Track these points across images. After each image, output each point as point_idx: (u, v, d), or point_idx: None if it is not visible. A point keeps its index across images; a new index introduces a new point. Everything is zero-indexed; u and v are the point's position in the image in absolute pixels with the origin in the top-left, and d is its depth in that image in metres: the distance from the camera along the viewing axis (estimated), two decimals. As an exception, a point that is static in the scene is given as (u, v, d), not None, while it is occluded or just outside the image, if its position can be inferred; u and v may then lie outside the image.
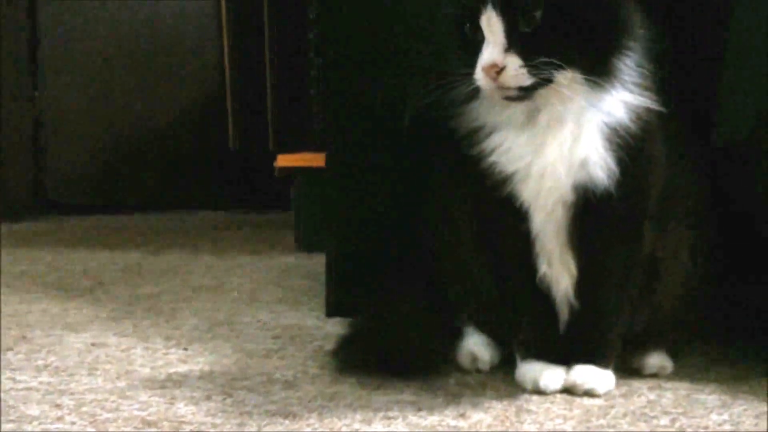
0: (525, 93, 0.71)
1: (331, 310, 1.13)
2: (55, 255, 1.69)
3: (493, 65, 0.70)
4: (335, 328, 1.03)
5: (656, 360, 0.84)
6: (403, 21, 1.03)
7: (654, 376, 0.84)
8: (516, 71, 0.70)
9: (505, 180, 0.76)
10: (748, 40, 0.83)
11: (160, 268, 1.53)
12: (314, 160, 1.36)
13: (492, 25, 0.70)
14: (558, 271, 0.77)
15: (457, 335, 0.90)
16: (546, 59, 0.69)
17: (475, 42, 0.72)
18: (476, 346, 0.87)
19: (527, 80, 0.70)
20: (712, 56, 0.86)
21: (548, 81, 0.70)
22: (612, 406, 0.75)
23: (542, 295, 0.78)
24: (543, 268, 0.77)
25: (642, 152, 0.74)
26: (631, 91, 0.74)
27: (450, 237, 0.86)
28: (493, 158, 0.76)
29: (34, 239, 1.96)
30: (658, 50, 0.76)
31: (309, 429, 0.70)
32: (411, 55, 1.00)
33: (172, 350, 0.96)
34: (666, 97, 0.77)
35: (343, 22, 1.08)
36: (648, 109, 0.75)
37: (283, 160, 1.54)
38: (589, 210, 0.75)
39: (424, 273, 0.92)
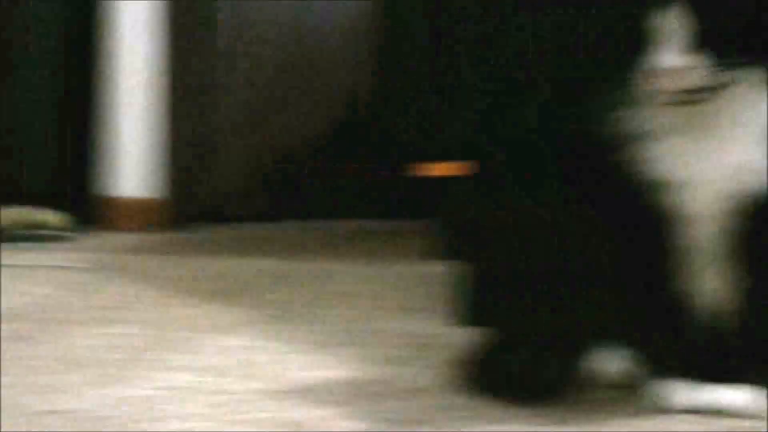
0: (703, 96, 0.67)
1: (464, 320, 1.16)
2: (209, 262, 1.84)
3: (679, 68, 0.66)
4: (465, 339, 1.07)
5: None
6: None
7: None
8: (698, 72, 0.66)
9: (662, 189, 0.73)
10: None
11: (294, 276, 1.59)
12: (457, 169, 1.41)
13: (676, 21, 0.65)
14: (713, 285, 0.75)
15: (592, 350, 0.90)
16: (732, 59, 0.65)
17: (649, 41, 0.67)
18: (609, 363, 0.87)
19: (709, 82, 0.66)
20: None
21: (731, 83, 0.67)
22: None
23: (698, 309, 0.77)
24: (695, 282, 0.76)
25: None
26: None
27: (584, 250, 0.87)
28: (650, 166, 0.73)
29: (195, 247, 2.13)
30: None
31: (440, 435, 0.74)
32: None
33: (314, 356, 1.03)
34: None
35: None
36: None
37: (436, 170, 1.58)
38: (755, 221, 0.71)
39: (561, 285, 0.93)
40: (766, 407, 0.75)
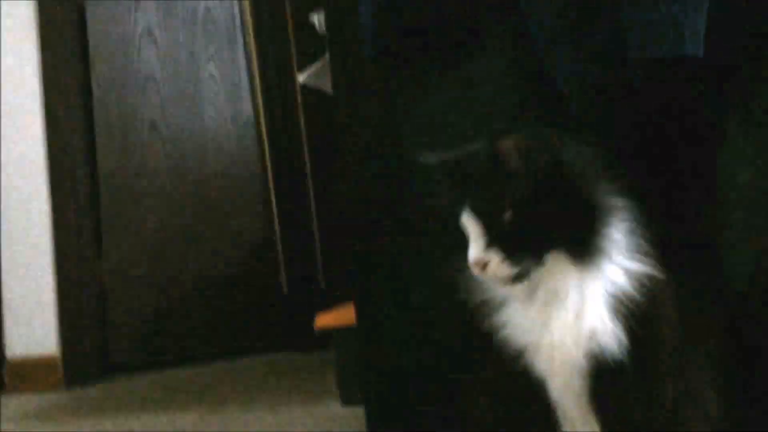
0: (516, 279, 0.75)
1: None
2: (114, 423, 1.69)
3: (477, 262, 0.75)
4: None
5: None
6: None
7: None
8: (498, 265, 0.74)
9: (519, 353, 0.79)
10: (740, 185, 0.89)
11: (215, 430, 1.54)
12: (345, 318, 1.42)
13: (471, 225, 0.76)
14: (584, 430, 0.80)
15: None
16: (526, 250, 0.74)
17: (466, 235, 0.76)
18: None
19: (511, 271, 0.75)
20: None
21: (535, 266, 0.75)
22: None
23: None
24: (567, 430, 0.80)
25: (650, 319, 0.75)
26: (630, 259, 0.77)
27: (473, 397, 0.91)
28: (504, 332, 0.79)
29: (99, 405, 1.96)
30: (650, 214, 0.81)
31: None
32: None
33: None
34: (674, 254, 0.81)
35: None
36: (654, 271, 0.78)
37: (321, 320, 1.61)
38: (604, 377, 0.77)
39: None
40: None
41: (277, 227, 2.53)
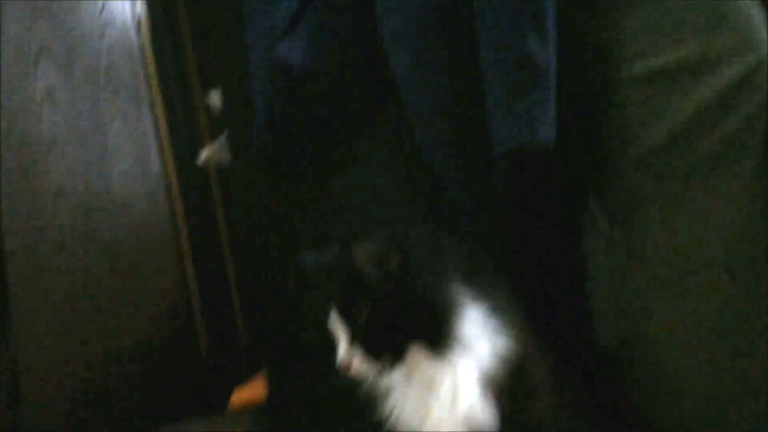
0: (380, 374, 0.81)
1: None
2: None
3: (342, 362, 0.81)
4: None
5: None
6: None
7: None
8: (360, 363, 0.81)
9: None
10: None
11: None
12: (258, 393, 1.43)
13: (337, 326, 0.82)
14: None
15: None
16: (384, 347, 0.79)
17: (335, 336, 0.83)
18: None
19: (373, 368, 0.81)
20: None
21: (395, 360, 0.80)
22: None
23: None
24: None
25: (521, 393, 0.83)
26: (495, 336, 0.83)
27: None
28: (391, 420, 0.84)
29: None
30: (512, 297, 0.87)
31: None
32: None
33: None
34: (541, 327, 0.87)
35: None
36: (520, 347, 0.84)
37: (238, 396, 1.61)
38: None
39: None
40: None
41: (193, 287, 2.51)
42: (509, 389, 0.84)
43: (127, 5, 2.70)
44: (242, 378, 1.78)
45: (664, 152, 0.92)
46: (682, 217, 0.88)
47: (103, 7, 2.63)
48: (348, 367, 0.82)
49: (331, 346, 0.84)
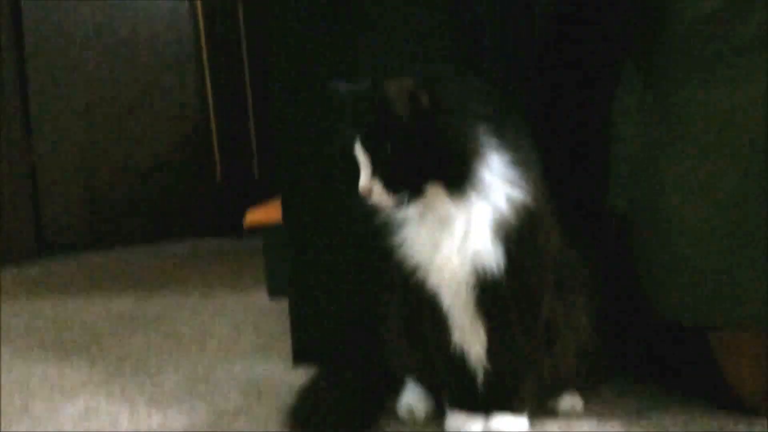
0: (398, 206, 0.84)
1: (298, 358, 1.26)
2: (52, 306, 1.74)
3: (363, 189, 0.84)
4: (301, 378, 1.16)
5: (567, 402, 0.96)
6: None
7: (567, 414, 0.96)
8: (380, 194, 0.84)
9: (415, 268, 0.88)
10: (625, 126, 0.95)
11: (149, 316, 1.60)
12: (274, 214, 1.48)
13: (361, 155, 0.84)
14: (470, 339, 0.90)
15: (402, 388, 1.03)
16: (403, 182, 0.82)
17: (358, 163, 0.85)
18: (413, 398, 0.99)
19: (391, 201, 0.84)
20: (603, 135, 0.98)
21: (414, 196, 0.83)
22: (521, 450, 0.87)
23: (459, 358, 0.91)
24: (456, 336, 0.90)
25: (528, 242, 0.86)
26: (512, 186, 0.85)
27: (385, 303, 0.99)
28: (403, 249, 0.88)
29: (33, 286, 1.98)
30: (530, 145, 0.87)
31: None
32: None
33: (154, 413, 1.08)
34: (556, 182, 0.89)
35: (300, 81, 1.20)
36: (533, 200, 0.86)
37: (251, 217, 1.66)
38: (488, 291, 0.86)
39: (372, 332, 1.05)
40: (525, 429, 0.90)
41: (211, 111, 2.51)
42: (518, 236, 0.87)
43: None
44: (255, 202, 1.83)
45: (718, 21, 0.89)
46: (723, 90, 0.87)
47: None
48: (368, 193, 0.84)
49: (354, 172, 0.86)
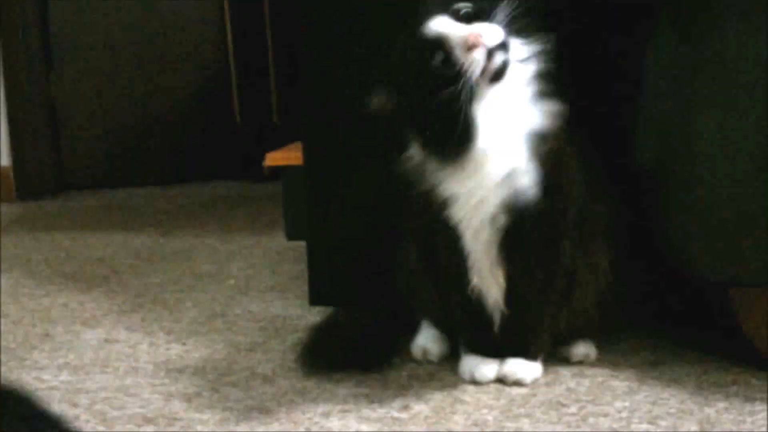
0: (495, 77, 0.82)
1: (314, 300, 1.27)
2: (73, 239, 1.76)
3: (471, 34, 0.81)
4: (317, 317, 1.18)
5: (581, 350, 0.95)
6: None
7: (581, 363, 0.97)
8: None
9: (443, 203, 0.86)
10: (659, 77, 0.92)
11: (168, 253, 1.62)
12: (294, 158, 1.47)
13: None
14: (489, 281, 0.89)
15: (417, 327, 1.04)
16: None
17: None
18: (427, 340, 1.00)
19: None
20: (630, 85, 0.96)
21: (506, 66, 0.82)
22: (534, 395, 0.87)
23: (476, 301, 0.91)
24: (475, 279, 0.90)
25: (561, 161, 0.86)
26: (549, 102, 0.84)
27: (404, 244, 0.99)
28: (431, 183, 0.86)
29: (54, 221, 2.00)
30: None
31: (277, 423, 0.84)
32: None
33: (173, 345, 1.11)
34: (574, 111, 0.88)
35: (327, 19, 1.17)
36: (564, 132, 0.85)
37: (271, 157, 1.65)
38: (514, 230, 0.85)
39: (392, 268, 1.05)
40: (538, 375, 0.90)
41: (231, 52, 2.48)
42: (553, 154, 0.84)
43: None
44: (274, 147, 1.83)
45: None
46: (762, 40, 0.84)
47: None
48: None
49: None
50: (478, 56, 0.81)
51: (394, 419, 0.84)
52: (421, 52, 0.82)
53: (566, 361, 0.96)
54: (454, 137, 0.81)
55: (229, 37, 2.49)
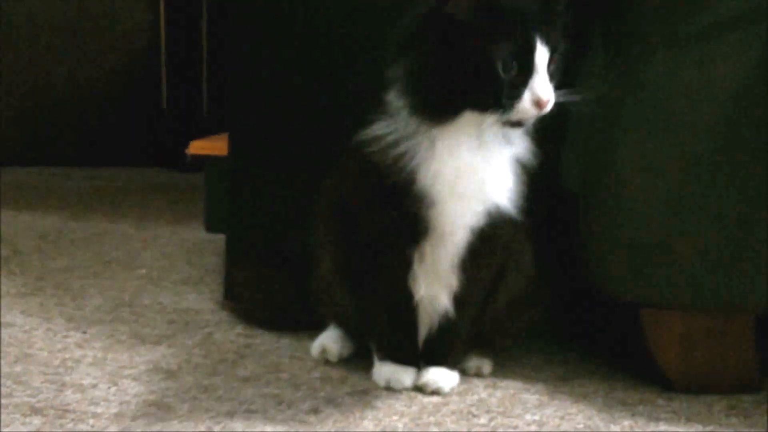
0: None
1: (229, 295, 1.23)
2: None
3: (548, 99, 0.79)
4: (229, 314, 1.13)
5: (474, 362, 0.94)
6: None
7: (475, 375, 0.93)
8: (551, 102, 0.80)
9: (417, 199, 0.82)
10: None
11: (77, 237, 1.54)
12: (218, 148, 1.43)
13: (541, 57, 0.78)
14: (438, 288, 0.86)
15: (328, 331, 1.01)
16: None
17: (514, 76, 0.78)
18: (329, 339, 0.97)
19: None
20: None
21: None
22: (446, 404, 0.86)
23: (409, 308, 0.87)
24: (422, 286, 0.86)
25: (531, 184, 0.87)
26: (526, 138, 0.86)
27: (317, 249, 0.96)
28: (418, 178, 0.82)
29: None
30: None
31: (176, 421, 0.80)
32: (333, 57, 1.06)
33: (72, 333, 1.05)
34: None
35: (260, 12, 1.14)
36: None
37: (194, 148, 1.60)
38: (485, 234, 0.84)
39: (303, 271, 1.02)
40: (455, 384, 0.89)
41: (162, 38, 2.40)
42: (528, 181, 0.86)
43: None
44: (202, 135, 1.77)
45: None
46: (692, 69, 0.86)
47: None
48: (548, 104, 0.81)
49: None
50: (533, 114, 0.80)
51: (302, 422, 0.81)
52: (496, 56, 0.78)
53: (461, 372, 0.93)
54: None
55: (162, 20, 2.41)
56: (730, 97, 0.85)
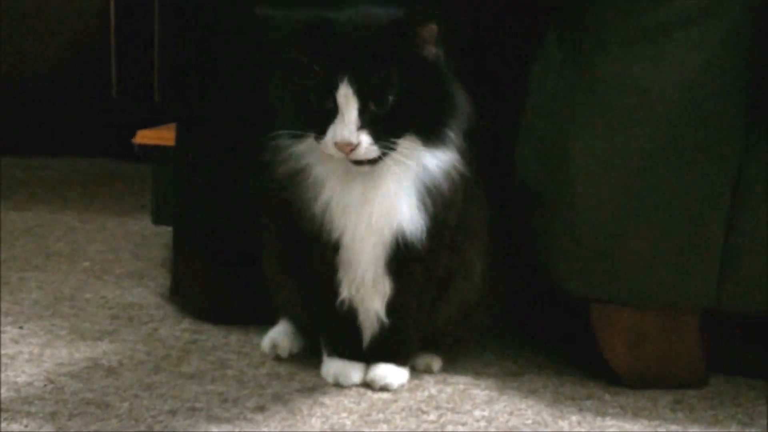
0: (373, 162, 0.79)
1: (176, 290, 1.19)
2: None
3: (348, 144, 0.76)
4: (175, 309, 1.10)
5: (424, 359, 0.93)
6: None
7: (425, 371, 0.93)
8: (367, 148, 0.77)
9: (324, 222, 0.83)
10: (536, 109, 0.94)
11: (18, 228, 1.48)
12: (165, 138, 1.39)
13: (348, 102, 0.76)
14: (369, 294, 0.86)
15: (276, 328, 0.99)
16: (391, 135, 0.78)
17: (325, 110, 0.77)
18: (280, 335, 0.96)
19: (376, 154, 0.78)
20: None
21: (393, 150, 0.79)
22: (395, 401, 0.85)
23: (348, 311, 0.87)
24: (350, 292, 0.86)
25: (448, 206, 0.86)
26: (450, 152, 0.83)
27: (266, 241, 0.94)
28: (318, 204, 0.82)
29: None
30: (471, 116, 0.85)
31: (116, 419, 0.77)
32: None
33: (8, 328, 1.00)
34: (475, 149, 0.87)
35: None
36: (456, 166, 0.84)
37: (141, 137, 1.55)
38: (400, 250, 0.85)
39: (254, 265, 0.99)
40: (405, 381, 0.88)
41: (113, 23, 2.33)
42: (440, 204, 0.84)
43: None
44: (152, 124, 1.73)
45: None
46: (644, 66, 0.87)
47: None
48: (353, 147, 0.76)
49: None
50: (338, 155, 0.79)
51: (248, 420, 0.79)
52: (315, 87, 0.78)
53: (412, 368, 0.93)
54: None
55: (112, 4, 2.34)
56: (682, 94, 0.86)
